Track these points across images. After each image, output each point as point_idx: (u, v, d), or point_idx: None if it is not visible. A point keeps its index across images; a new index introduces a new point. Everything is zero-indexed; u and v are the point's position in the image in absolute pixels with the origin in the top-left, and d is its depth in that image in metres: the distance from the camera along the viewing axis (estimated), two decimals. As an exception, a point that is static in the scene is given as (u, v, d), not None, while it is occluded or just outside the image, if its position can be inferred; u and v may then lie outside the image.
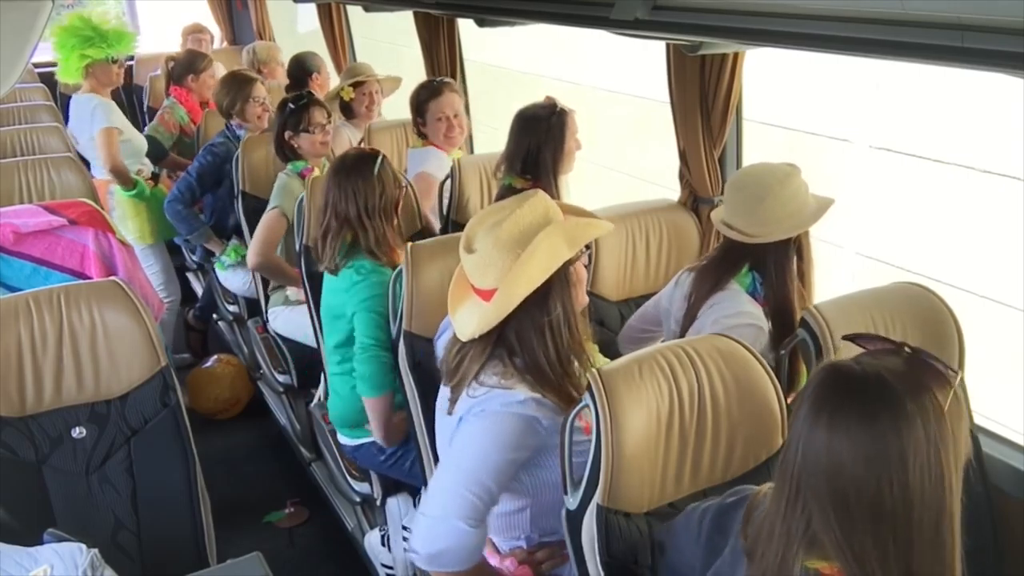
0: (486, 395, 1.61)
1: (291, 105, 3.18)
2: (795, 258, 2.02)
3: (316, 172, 3.11)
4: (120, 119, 3.98)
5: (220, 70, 4.54)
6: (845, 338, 1.21)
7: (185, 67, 4.48)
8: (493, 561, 1.74)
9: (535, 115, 2.66)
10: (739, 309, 1.98)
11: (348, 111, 3.87)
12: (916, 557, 1.03)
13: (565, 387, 1.63)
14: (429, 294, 2.12)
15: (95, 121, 3.87)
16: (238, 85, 3.79)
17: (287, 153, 3.20)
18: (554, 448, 1.57)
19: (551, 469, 1.62)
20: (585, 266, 1.68)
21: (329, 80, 4.42)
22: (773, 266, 2.00)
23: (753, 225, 1.96)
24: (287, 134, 3.17)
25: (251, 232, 3.29)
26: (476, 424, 1.60)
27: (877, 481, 1.02)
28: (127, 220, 3.91)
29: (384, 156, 2.47)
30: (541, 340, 1.60)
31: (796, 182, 1.97)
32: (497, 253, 1.56)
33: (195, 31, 5.45)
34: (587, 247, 1.66)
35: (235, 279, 3.68)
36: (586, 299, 1.70)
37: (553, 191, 2.59)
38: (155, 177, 4.09)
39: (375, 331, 2.33)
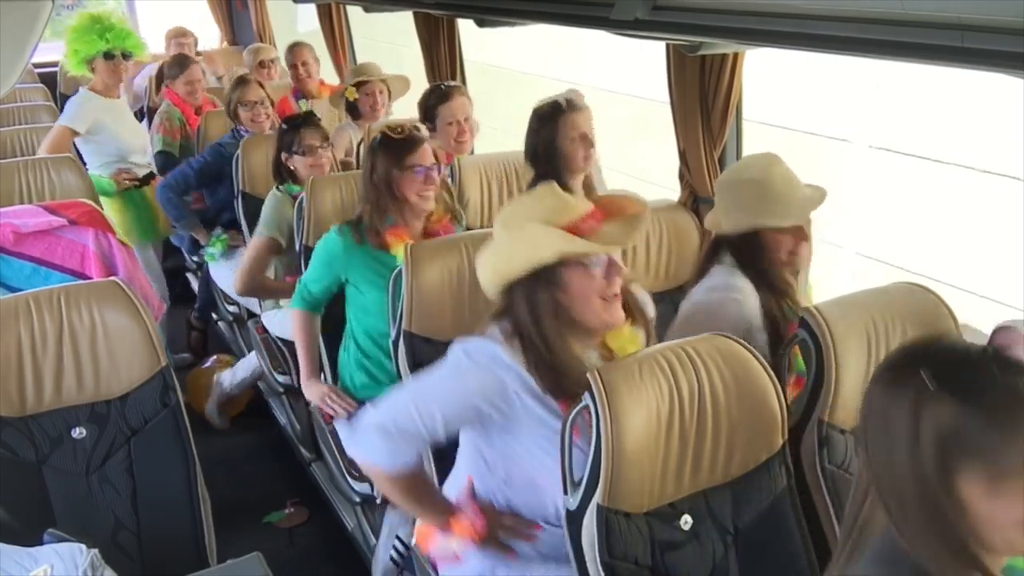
0: (478, 339, 1.63)
1: (284, 126, 3.15)
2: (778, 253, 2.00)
3: None
4: (92, 121, 3.84)
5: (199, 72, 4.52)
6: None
7: (173, 69, 4.45)
8: (456, 496, 1.74)
9: (538, 110, 2.68)
10: (729, 282, 1.99)
11: (355, 111, 3.88)
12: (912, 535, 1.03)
13: (561, 383, 1.59)
14: (429, 294, 2.12)
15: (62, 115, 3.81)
16: (232, 88, 3.82)
17: (283, 175, 3.13)
18: (530, 424, 1.58)
19: (523, 444, 1.62)
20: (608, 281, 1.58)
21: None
22: (744, 258, 2.01)
23: (724, 215, 2.02)
24: (283, 155, 3.11)
25: (251, 231, 3.30)
26: (451, 356, 1.63)
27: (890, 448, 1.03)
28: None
29: (381, 135, 2.44)
30: (531, 329, 1.58)
31: (777, 172, 1.97)
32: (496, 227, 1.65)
33: (178, 35, 5.41)
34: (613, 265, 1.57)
35: (224, 273, 3.67)
36: (601, 318, 1.59)
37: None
38: (146, 179, 4.03)
39: (310, 274, 2.52)
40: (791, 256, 1.99)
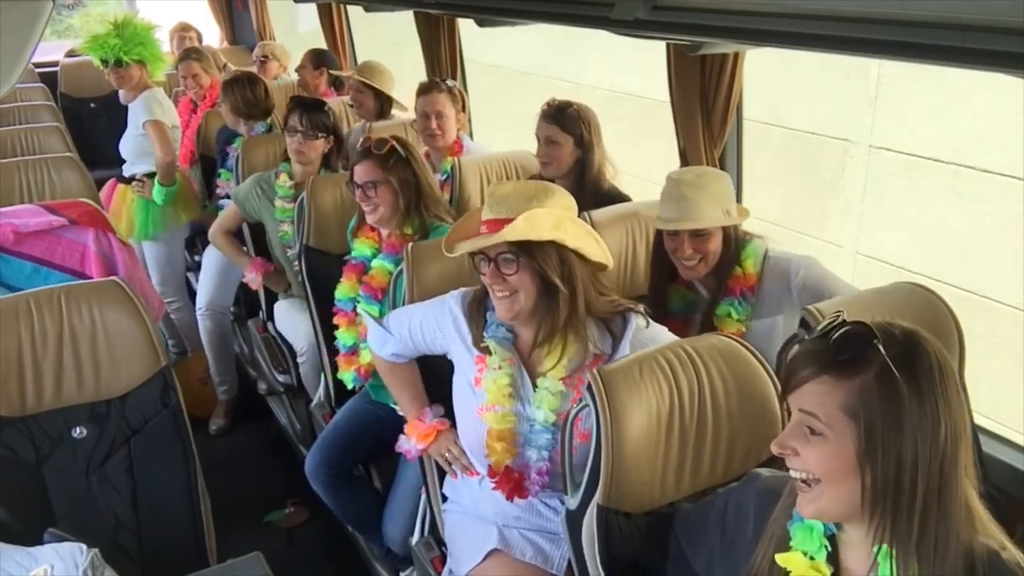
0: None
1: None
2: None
3: (284, 179, 3.12)
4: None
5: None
6: None
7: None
8: (429, 418, 2.00)
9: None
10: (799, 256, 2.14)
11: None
12: None
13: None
14: (429, 294, 2.12)
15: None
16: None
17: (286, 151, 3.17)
18: (457, 352, 1.87)
19: (458, 384, 1.88)
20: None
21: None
22: None
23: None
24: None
25: (252, 235, 3.36)
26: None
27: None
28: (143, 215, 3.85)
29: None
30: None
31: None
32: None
33: (181, 30, 5.42)
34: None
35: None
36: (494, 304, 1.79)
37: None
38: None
39: None
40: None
